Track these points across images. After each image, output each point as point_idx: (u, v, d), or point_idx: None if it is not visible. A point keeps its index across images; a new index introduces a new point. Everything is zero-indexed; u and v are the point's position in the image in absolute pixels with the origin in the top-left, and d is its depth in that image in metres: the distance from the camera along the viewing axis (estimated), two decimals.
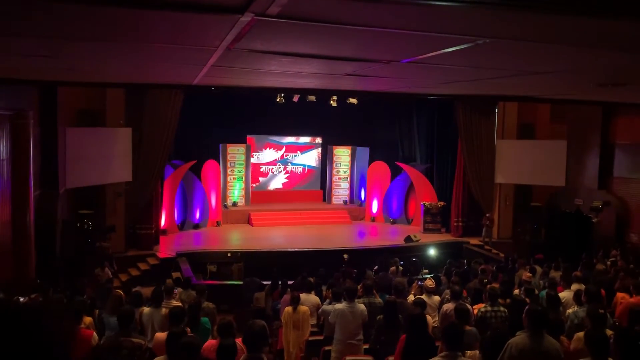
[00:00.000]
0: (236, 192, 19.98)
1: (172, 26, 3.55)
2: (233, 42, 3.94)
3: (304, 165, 21.76)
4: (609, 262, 11.24)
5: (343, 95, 15.17)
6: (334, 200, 21.39)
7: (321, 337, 7.16)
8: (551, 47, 3.99)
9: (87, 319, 6.18)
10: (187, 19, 3.27)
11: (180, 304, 6.86)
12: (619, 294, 7.48)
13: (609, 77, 6.18)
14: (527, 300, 6.42)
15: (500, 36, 3.44)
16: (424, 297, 7.33)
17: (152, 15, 3.20)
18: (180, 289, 8.84)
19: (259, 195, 20.69)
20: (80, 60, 5.98)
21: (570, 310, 6.44)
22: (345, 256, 14.16)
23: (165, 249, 15.14)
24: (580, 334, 4.85)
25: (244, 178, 20.09)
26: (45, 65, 6.33)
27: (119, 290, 7.18)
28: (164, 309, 6.10)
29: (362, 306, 6.56)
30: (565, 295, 7.34)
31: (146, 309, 6.25)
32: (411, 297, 7.78)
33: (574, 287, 7.46)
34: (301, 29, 3.37)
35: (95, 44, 4.60)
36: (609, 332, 4.36)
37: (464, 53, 4.07)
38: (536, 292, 7.60)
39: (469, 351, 4.36)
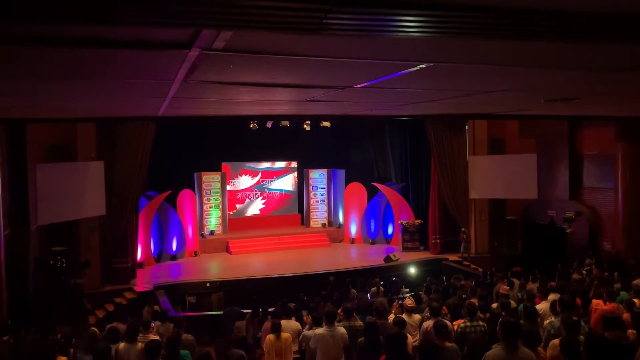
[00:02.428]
0: (213, 221, 19.82)
1: (126, 63, 3.63)
2: (187, 74, 4.03)
3: (281, 190, 21.75)
4: (584, 271, 11.42)
5: (315, 119, 15.34)
6: (313, 224, 21.35)
7: None
8: (488, 69, 4.18)
9: (62, 359, 6.00)
10: (139, 56, 3.34)
11: (157, 337, 6.73)
12: (594, 301, 7.59)
13: (554, 93, 6.43)
14: (504, 313, 6.48)
15: (439, 60, 3.60)
16: (404, 316, 7.32)
17: (105, 54, 3.26)
18: (158, 323, 8.68)
19: (236, 223, 20.54)
20: (42, 98, 5.99)
21: (547, 321, 6.52)
22: (331, 278, 14.12)
23: (143, 282, 14.85)
24: (555, 341, 4.90)
25: (220, 206, 19.95)
26: (9, 103, 6.29)
27: (93, 328, 7.01)
28: (139, 344, 5.97)
29: (342, 330, 6.52)
30: (542, 306, 7.42)
31: (122, 345, 6.11)
32: (392, 317, 7.77)
33: (551, 297, 7.55)
34: (249, 60, 3.48)
35: (53, 82, 4.63)
36: (582, 338, 4.42)
37: (411, 77, 4.24)
38: (513, 304, 7.66)
39: None
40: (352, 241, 20.26)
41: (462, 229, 16.84)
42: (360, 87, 5.09)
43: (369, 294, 11.49)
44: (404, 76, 4.18)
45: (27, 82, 4.58)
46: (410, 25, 2.46)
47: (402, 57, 3.50)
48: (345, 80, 4.83)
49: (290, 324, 7.90)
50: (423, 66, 3.76)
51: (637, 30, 2.64)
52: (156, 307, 11.74)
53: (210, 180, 19.76)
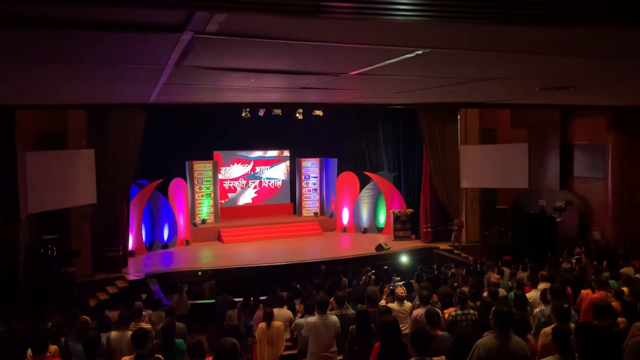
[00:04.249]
0: (205, 210, 19.77)
1: (117, 46, 3.56)
2: (179, 60, 3.96)
3: (273, 179, 21.71)
4: (574, 260, 11.53)
5: (307, 108, 15.28)
6: (305, 213, 21.37)
7: (295, 352, 7.12)
8: (486, 55, 4.15)
9: (53, 347, 5.97)
10: (129, 39, 3.27)
11: (149, 325, 6.72)
12: (583, 291, 7.67)
13: (550, 81, 6.43)
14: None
15: (436, 46, 3.57)
16: (395, 304, 7.36)
17: (94, 36, 3.19)
18: (150, 311, 8.67)
19: (228, 212, 20.49)
20: (30, 84, 5.90)
21: (537, 310, 6.58)
22: (323, 267, 14.14)
23: (134, 270, 14.83)
24: (547, 329, 4.95)
25: (212, 195, 19.89)
26: None
27: (84, 316, 6.98)
28: (131, 332, 5.96)
29: (334, 318, 6.55)
30: (532, 295, 7.49)
31: (114, 333, 6.10)
32: (382, 302, 7.82)
33: (541, 286, 7.62)
34: (242, 44, 3.43)
35: (41, 66, 4.54)
36: (573, 326, 4.46)
37: (407, 63, 4.19)
38: (502, 292, 7.72)
39: (435, 357, 4.40)
40: (344, 230, 20.31)
41: (455, 221, 16.93)
42: (355, 73, 5.05)
43: (360, 283, 11.54)
44: (400, 62, 4.14)
45: (14, 66, 4.49)
46: (406, 8, 2.43)
47: (399, 42, 3.46)
48: (341, 67, 4.79)
49: (282, 313, 7.93)
50: (419, 52, 3.73)
51: (635, 16, 2.62)
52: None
53: (202, 168, 19.69)
